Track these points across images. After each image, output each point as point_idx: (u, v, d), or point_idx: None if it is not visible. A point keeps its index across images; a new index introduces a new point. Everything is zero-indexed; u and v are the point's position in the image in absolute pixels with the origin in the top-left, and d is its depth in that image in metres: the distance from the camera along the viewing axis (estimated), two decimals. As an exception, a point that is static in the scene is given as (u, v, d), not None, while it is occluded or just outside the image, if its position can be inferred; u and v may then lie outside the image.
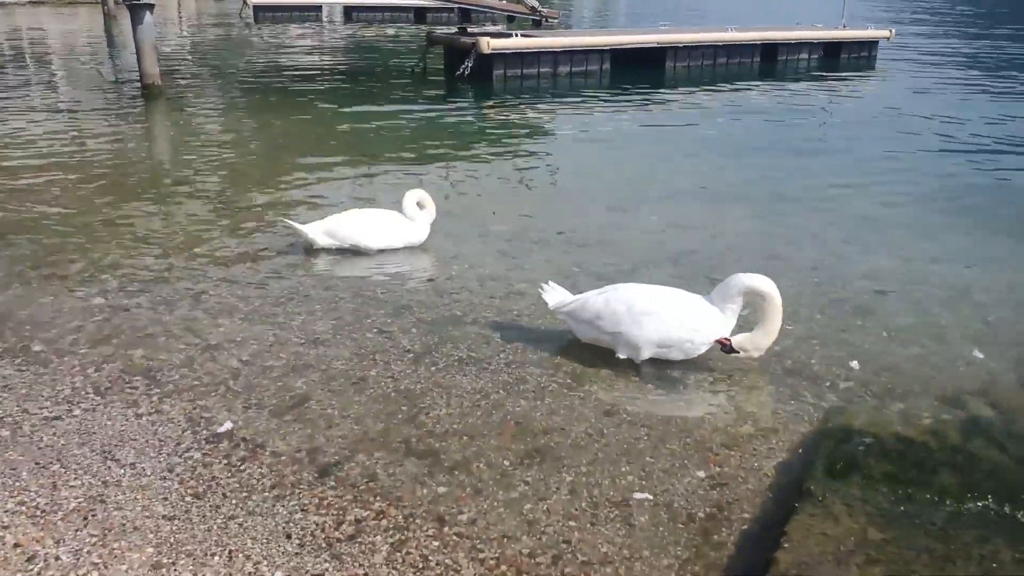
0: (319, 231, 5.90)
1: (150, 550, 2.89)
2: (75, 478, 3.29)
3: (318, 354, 4.42)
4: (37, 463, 3.39)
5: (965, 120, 12.10)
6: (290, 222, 5.99)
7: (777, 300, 4.11)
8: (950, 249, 6.34)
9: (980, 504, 3.17)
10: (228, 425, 3.70)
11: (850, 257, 6.10)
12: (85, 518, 3.05)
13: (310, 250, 5.95)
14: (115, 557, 2.84)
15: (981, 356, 4.52)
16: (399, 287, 5.45)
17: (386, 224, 5.98)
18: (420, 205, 6.06)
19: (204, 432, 3.66)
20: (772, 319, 4.14)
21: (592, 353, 4.45)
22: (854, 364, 4.39)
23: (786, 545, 2.87)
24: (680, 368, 4.34)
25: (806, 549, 2.86)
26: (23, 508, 3.09)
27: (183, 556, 2.86)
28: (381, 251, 5.98)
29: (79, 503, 3.13)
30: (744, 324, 4.30)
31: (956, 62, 19.99)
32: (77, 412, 3.80)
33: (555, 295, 4.58)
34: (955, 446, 3.65)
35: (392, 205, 6.16)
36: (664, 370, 4.31)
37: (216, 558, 2.86)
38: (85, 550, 2.87)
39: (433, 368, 4.29)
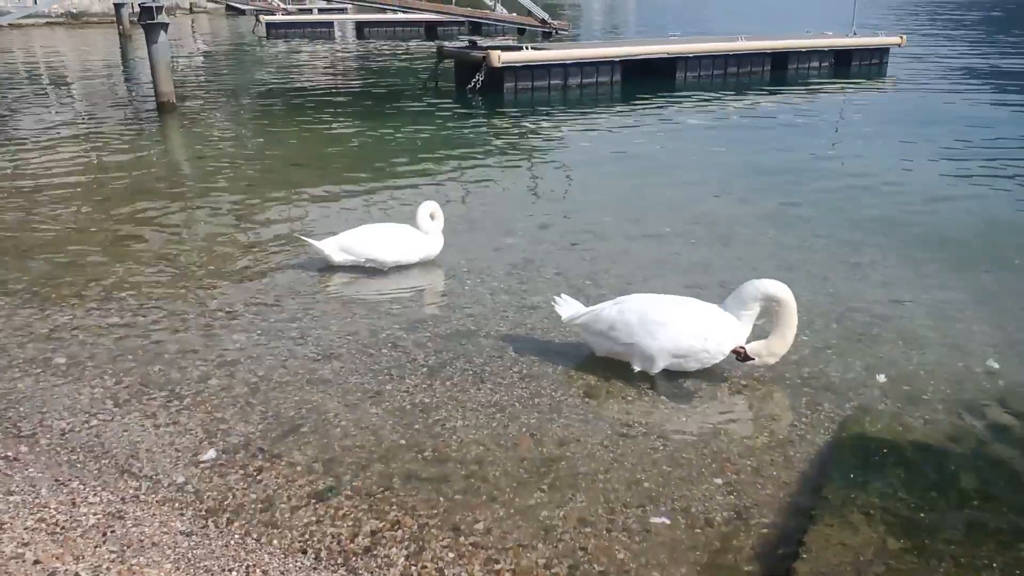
0: (334, 247, 5.92)
1: (168, 566, 2.90)
2: (93, 494, 3.31)
3: (333, 368, 4.44)
4: (57, 479, 3.41)
5: (978, 127, 12.03)
6: (305, 238, 6.02)
7: (792, 305, 4.10)
8: (964, 258, 6.28)
9: (1000, 511, 3.14)
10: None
11: (864, 267, 6.07)
12: (104, 534, 3.06)
13: (325, 266, 5.98)
14: (134, 573, 2.85)
15: (997, 366, 4.48)
16: (413, 302, 5.47)
17: (401, 238, 5.97)
18: (432, 216, 6.07)
19: (221, 445, 3.68)
20: (787, 325, 4.12)
21: (606, 366, 4.44)
22: (881, 377, 4.34)
23: (804, 555, 2.86)
24: (695, 378, 4.33)
25: (825, 559, 2.84)
26: (43, 525, 3.11)
27: (201, 572, 2.87)
28: (396, 265, 6.00)
29: (98, 519, 3.15)
30: (760, 333, 4.28)
31: (968, 68, 19.91)
32: (95, 426, 3.83)
33: (568, 308, 4.58)
34: (973, 453, 3.62)
35: (406, 219, 6.18)
36: (679, 380, 4.30)
37: (233, 573, 2.87)
38: (104, 567, 2.88)
39: (448, 382, 4.30)
